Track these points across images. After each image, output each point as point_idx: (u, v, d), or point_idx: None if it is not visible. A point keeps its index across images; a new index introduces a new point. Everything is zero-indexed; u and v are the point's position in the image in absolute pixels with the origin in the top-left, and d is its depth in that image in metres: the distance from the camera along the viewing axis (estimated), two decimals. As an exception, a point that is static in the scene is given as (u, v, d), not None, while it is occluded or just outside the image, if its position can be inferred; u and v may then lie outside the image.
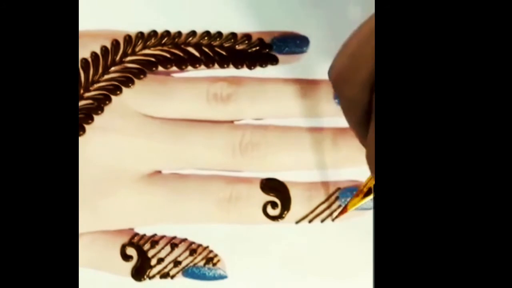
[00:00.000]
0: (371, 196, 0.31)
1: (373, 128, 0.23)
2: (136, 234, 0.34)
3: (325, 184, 0.34)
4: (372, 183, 0.30)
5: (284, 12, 0.34)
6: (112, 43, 0.34)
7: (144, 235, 0.34)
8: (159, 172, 0.34)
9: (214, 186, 0.33)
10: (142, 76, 0.34)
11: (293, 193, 0.34)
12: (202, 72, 0.34)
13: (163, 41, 0.34)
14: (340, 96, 0.25)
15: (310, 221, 0.33)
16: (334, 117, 0.33)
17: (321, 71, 0.33)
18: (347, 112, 0.26)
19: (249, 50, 0.34)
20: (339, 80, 0.25)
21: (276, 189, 0.34)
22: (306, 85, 0.34)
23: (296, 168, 0.34)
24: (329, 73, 0.25)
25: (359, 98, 0.24)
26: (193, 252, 0.33)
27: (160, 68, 0.34)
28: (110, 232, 0.34)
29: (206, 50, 0.34)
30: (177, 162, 0.33)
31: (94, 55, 0.34)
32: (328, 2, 0.34)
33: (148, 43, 0.34)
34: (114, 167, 0.33)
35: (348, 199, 0.33)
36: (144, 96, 0.33)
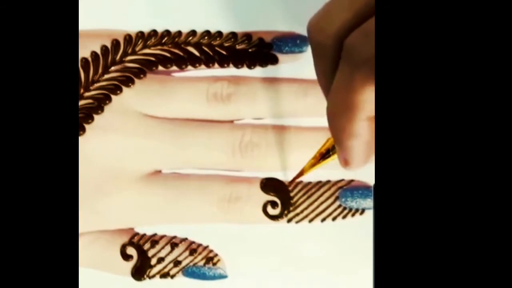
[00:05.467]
0: (329, 159, 0.30)
1: (339, 79, 0.23)
2: (136, 233, 0.34)
3: (325, 183, 0.34)
4: (330, 144, 0.30)
5: (284, 12, 0.34)
6: (112, 43, 0.34)
7: (144, 234, 0.34)
8: (159, 171, 0.34)
9: (214, 186, 0.33)
10: (142, 76, 0.34)
11: (293, 192, 0.34)
12: (202, 71, 0.34)
13: (163, 40, 0.34)
14: (312, 42, 0.25)
15: (310, 221, 0.33)
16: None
17: (321, 71, 0.33)
18: (316, 60, 0.26)
19: (249, 50, 0.34)
20: (313, 28, 0.25)
21: (276, 188, 0.34)
22: (306, 85, 0.34)
23: (296, 167, 0.34)
24: (307, 25, 0.26)
25: (329, 46, 0.24)
26: (193, 251, 0.33)
27: (160, 68, 0.34)
28: (110, 231, 0.34)
29: (206, 49, 0.34)
30: (177, 162, 0.33)
31: (94, 54, 0.34)
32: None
33: (148, 42, 0.34)
34: (114, 166, 0.33)
35: (349, 199, 0.33)
36: (144, 96, 0.33)
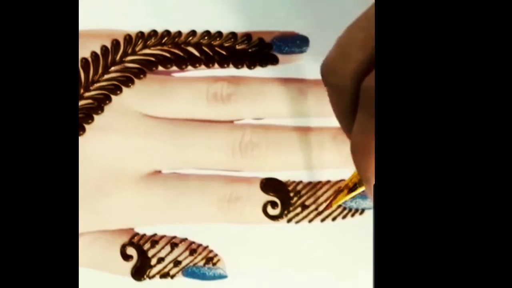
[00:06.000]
0: (356, 192, 0.30)
1: (359, 121, 0.23)
2: (136, 233, 0.34)
3: (325, 183, 0.34)
4: (357, 178, 0.30)
5: (284, 12, 0.34)
6: (112, 43, 0.34)
7: (144, 234, 0.34)
8: (159, 172, 0.34)
9: (214, 186, 0.33)
10: (142, 76, 0.34)
11: (293, 192, 0.34)
12: (202, 71, 0.34)
13: (163, 40, 0.34)
14: (327, 85, 0.25)
15: (310, 221, 0.33)
16: (335, 116, 0.33)
17: (321, 71, 0.33)
18: (333, 102, 0.26)
19: (249, 50, 0.34)
20: (328, 69, 0.25)
21: (276, 189, 0.34)
22: (306, 85, 0.34)
23: (296, 168, 0.34)
24: (321, 66, 0.25)
25: (345, 88, 0.24)
26: (193, 251, 0.33)
27: (160, 68, 0.34)
28: (110, 232, 0.34)
29: (206, 49, 0.34)
30: (177, 162, 0.33)
31: (94, 54, 0.34)
32: (328, 1, 0.34)
33: (148, 42, 0.34)
34: (114, 167, 0.33)
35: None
36: (144, 96, 0.33)
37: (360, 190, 0.30)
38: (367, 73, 0.23)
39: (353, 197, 0.32)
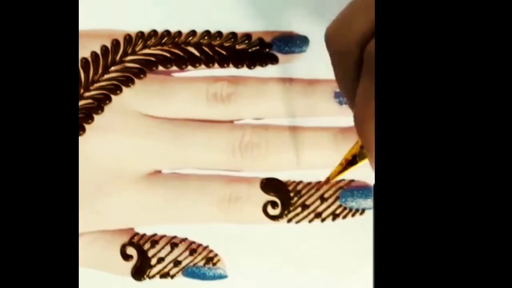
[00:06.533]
0: (356, 165, 0.30)
1: (363, 86, 0.23)
2: (136, 233, 0.34)
3: (325, 183, 0.34)
4: (356, 150, 0.30)
5: (284, 12, 0.34)
6: (112, 43, 0.34)
7: (144, 234, 0.34)
8: (159, 172, 0.34)
9: (214, 186, 0.33)
10: (142, 76, 0.34)
11: (293, 192, 0.34)
12: (202, 71, 0.34)
13: (163, 40, 0.34)
14: (331, 51, 0.25)
15: (310, 221, 0.33)
16: (334, 116, 0.33)
17: (321, 71, 0.33)
18: (337, 68, 0.26)
19: (249, 50, 0.34)
20: (331, 36, 0.25)
21: (276, 188, 0.34)
22: (306, 85, 0.34)
23: (296, 167, 0.34)
24: (325, 33, 0.25)
25: (350, 54, 0.24)
26: (193, 251, 0.33)
27: (160, 68, 0.34)
28: (110, 231, 0.34)
29: (206, 49, 0.34)
30: (177, 162, 0.33)
31: (94, 54, 0.34)
32: (328, 1, 0.34)
33: (148, 42, 0.34)
34: (114, 167, 0.33)
35: (349, 199, 0.33)
36: (144, 96, 0.33)
37: (361, 163, 0.29)
38: (372, 38, 0.23)
39: (354, 190, 0.32)
